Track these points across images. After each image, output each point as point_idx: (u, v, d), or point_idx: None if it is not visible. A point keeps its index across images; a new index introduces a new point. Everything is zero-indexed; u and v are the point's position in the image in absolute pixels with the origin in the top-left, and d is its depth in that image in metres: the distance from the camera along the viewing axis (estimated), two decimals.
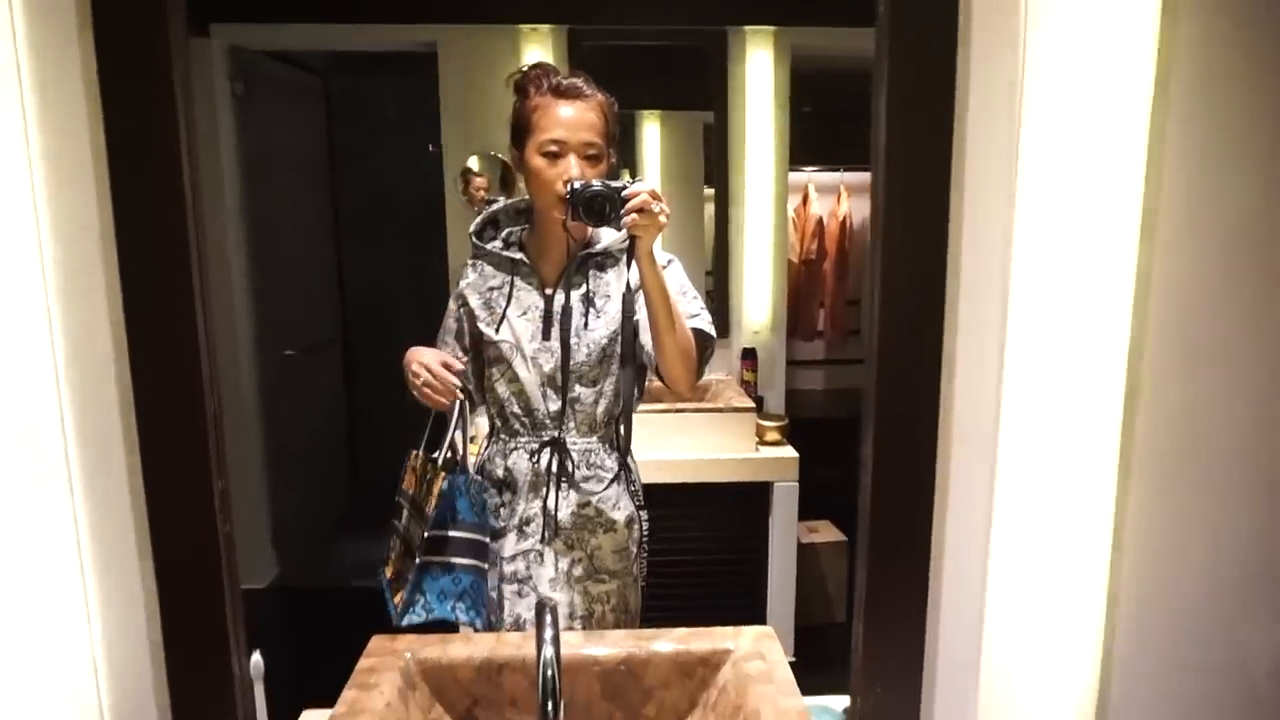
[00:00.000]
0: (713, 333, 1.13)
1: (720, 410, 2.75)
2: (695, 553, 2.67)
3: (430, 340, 1.27)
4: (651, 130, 3.24)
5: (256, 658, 0.82)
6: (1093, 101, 0.72)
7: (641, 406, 1.44)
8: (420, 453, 1.17)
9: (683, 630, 1.16)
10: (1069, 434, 0.76)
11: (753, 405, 2.86)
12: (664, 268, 1.08)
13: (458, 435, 1.13)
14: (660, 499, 1.46)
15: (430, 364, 1.06)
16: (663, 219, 1.00)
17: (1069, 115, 0.72)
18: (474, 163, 2.79)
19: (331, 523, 3.76)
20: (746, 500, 2.77)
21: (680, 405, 2.61)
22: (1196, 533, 0.84)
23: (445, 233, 2.95)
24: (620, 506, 1.10)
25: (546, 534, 1.08)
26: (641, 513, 1.16)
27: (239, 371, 3.25)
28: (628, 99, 1.85)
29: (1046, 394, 0.76)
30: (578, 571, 1.09)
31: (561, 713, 0.76)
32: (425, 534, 1.09)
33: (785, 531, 2.80)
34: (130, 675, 0.78)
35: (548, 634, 0.79)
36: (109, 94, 0.69)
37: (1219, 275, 0.80)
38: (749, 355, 3.17)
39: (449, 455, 1.12)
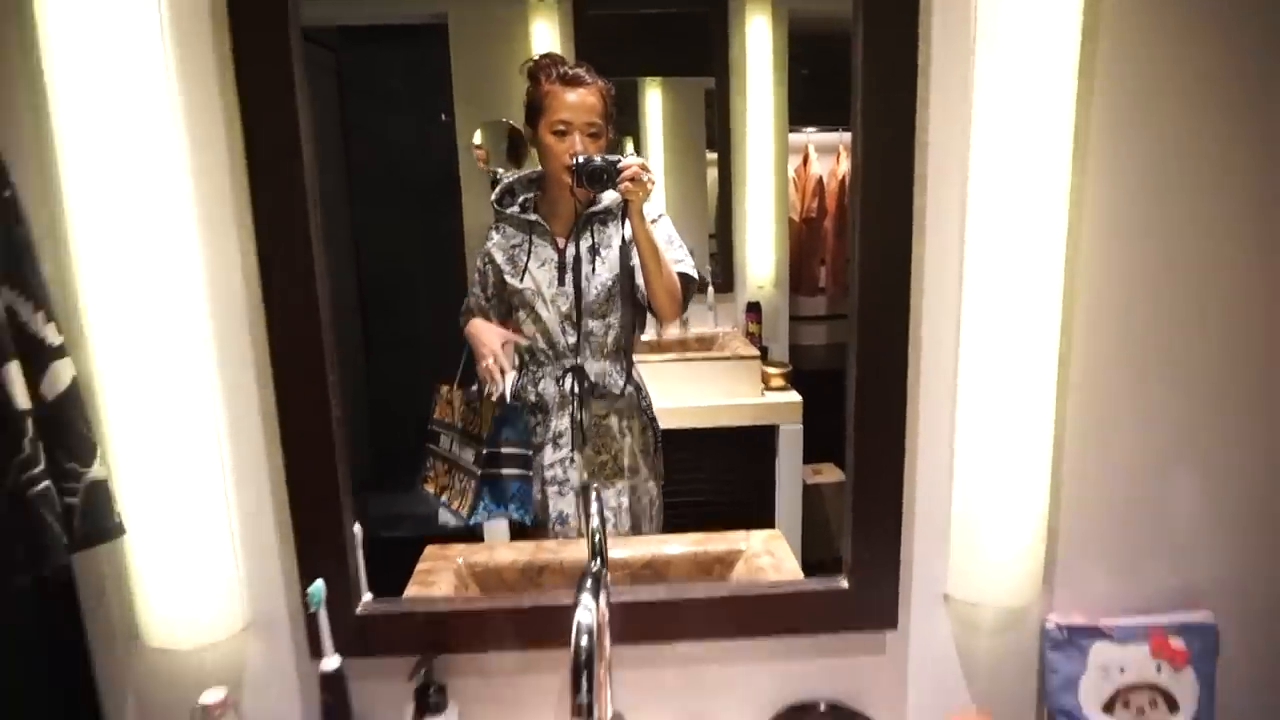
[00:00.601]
0: (694, 275, 1.31)
1: (727, 359, 2.89)
2: (707, 493, 2.83)
3: (451, 301, 1.41)
4: (654, 97, 3.34)
5: (356, 527, 0.98)
6: (1031, 65, 0.85)
7: (653, 357, 1.59)
8: (455, 387, 1.33)
9: (699, 534, 1.31)
10: (1019, 337, 0.91)
11: (758, 354, 3.00)
12: (654, 222, 1.27)
13: (508, 374, 1.29)
14: (674, 442, 1.61)
15: (496, 349, 1.23)
16: (649, 185, 1.20)
17: (1013, 85, 0.86)
18: (477, 136, 2.91)
19: (356, 484, 3.93)
20: (754, 443, 2.92)
21: (689, 355, 2.75)
22: (1125, 415, 1.00)
23: (459, 199, 3.07)
24: (634, 415, 1.27)
25: (576, 442, 1.25)
26: (653, 421, 1.31)
27: None
28: (631, 67, 1.93)
29: (998, 308, 0.91)
30: (606, 471, 1.25)
31: (607, 575, 0.92)
32: (484, 452, 1.25)
33: (791, 471, 2.94)
34: (262, 532, 0.96)
35: (594, 506, 0.96)
36: (242, 71, 0.85)
37: (1142, 200, 0.95)
38: (753, 309, 3.30)
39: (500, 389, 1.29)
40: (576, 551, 1.23)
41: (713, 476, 3.01)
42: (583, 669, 0.76)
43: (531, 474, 1.29)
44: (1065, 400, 0.96)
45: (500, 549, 1.29)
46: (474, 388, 1.33)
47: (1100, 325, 0.97)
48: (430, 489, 1.37)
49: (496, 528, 1.40)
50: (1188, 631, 1.00)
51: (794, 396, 2.98)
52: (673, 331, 2.01)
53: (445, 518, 1.34)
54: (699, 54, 3.43)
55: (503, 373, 1.27)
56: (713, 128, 3.29)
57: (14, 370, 0.81)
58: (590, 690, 0.76)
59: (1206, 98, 0.93)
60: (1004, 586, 0.98)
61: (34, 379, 0.83)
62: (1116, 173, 0.94)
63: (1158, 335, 0.98)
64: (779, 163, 3.29)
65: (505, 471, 1.28)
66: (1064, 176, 0.89)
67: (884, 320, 0.93)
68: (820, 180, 4.50)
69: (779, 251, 3.38)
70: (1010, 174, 0.88)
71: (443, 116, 2.77)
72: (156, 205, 0.85)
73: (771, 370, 3.09)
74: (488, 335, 1.31)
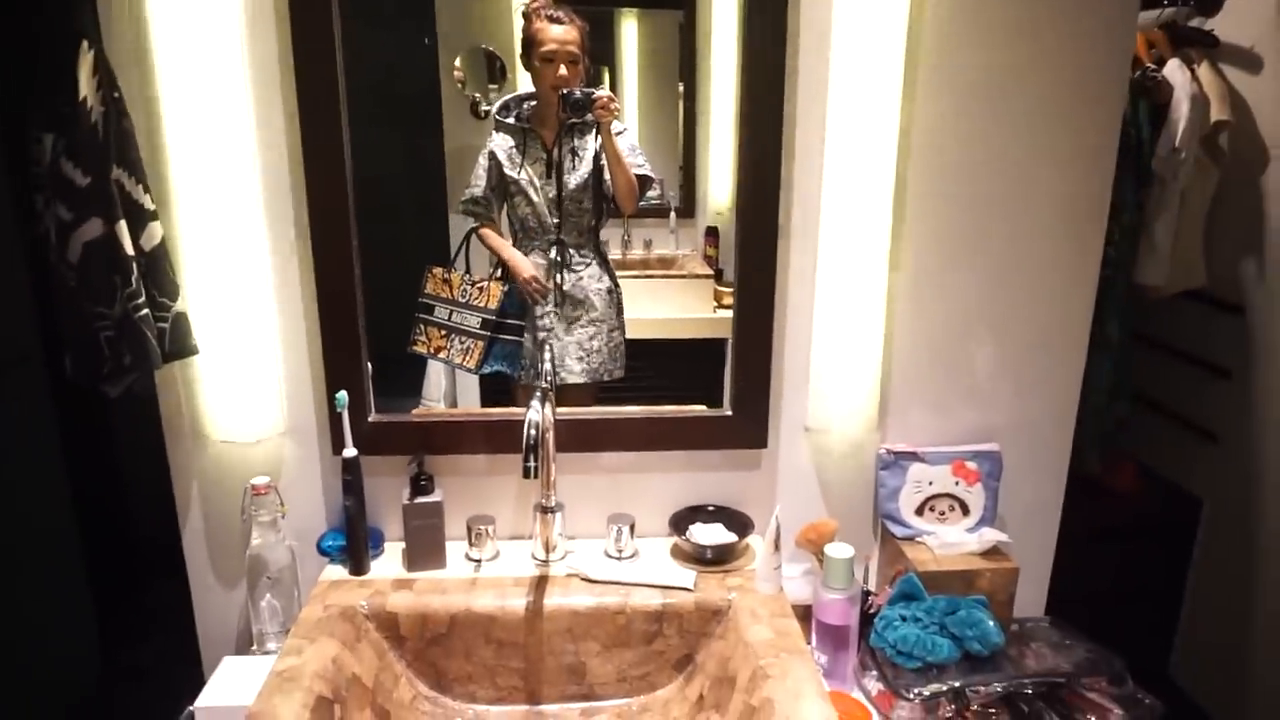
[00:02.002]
0: (650, 175, 1.63)
1: (684, 277, 3.21)
2: (661, 397, 3.17)
3: (433, 210, 1.71)
4: (629, 27, 3.55)
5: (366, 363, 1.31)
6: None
7: (619, 274, 1.92)
8: (449, 269, 1.66)
9: (650, 406, 1.64)
10: (860, 231, 1.24)
11: (712, 274, 3.32)
12: (619, 135, 1.59)
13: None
14: (635, 351, 1.92)
15: (536, 274, 1.60)
16: (616, 110, 1.56)
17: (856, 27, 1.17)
18: (457, 61, 3.12)
19: None
20: (705, 354, 3.26)
21: (650, 273, 3.06)
22: (938, 289, 1.34)
23: (441, 118, 3.29)
24: (602, 280, 1.62)
25: (557, 299, 1.60)
26: (617, 286, 1.67)
27: None
28: None
29: (846, 206, 1.23)
30: (581, 321, 1.60)
31: (553, 395, 1.25)
32: (493, 320, 1.59)
33: None
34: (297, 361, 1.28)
35: (548, 353, 1.31)
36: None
37: (952, 120, 1.26)
38: (711, 233, 3.60)
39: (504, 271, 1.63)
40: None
41: (667, 381, 3.34)
42: (532, 448, 1.10)
43: (523, 338, 1.64)
44: (896, 280, 1.30)
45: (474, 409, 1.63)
46: (493, 272, 1.67)
47: (919, 219, 1.29)
48: (421, 350, 1.70)
49: (468, 392, 1.74)
50: (980, 457, 1.36)
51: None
52: (637, 252, 2.33)
53: (432, 385, 1.68)
54: None
55: (540, 292, 1.62)
56: (684, 61, 3.53)
57: (123, 227, 1.12)
58: (536, 461, 1.10)
59: (1014, 40, 1.23)
60: (849, 420, 1.33)
61: (135, 234, 1.14)
62: (936, 95, 1.25)
63: (963, 227, 1.30)
64: (740, 96, 3.55)
65: (506, 336, 1.64)
66: (895, 98, 1.20)
67: (759, 219, 1.26)
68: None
69: (737, 179, 3.68)
70: (855, 100, 1.20)
71: (425, 40, 2.94)
72: (223, 103, 1.15)
73: (723, 290, 3.42)
74: (522, 262, 1.64)
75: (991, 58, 1.23)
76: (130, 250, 1.12)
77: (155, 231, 1.16)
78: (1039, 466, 1.41)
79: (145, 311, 1.14)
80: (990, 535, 1.31)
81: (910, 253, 1.30)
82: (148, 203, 1.15)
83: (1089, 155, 1.29)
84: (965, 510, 1.37)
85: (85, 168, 1.10)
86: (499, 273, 1.67)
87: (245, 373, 1.23)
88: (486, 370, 1.66)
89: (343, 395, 1.21)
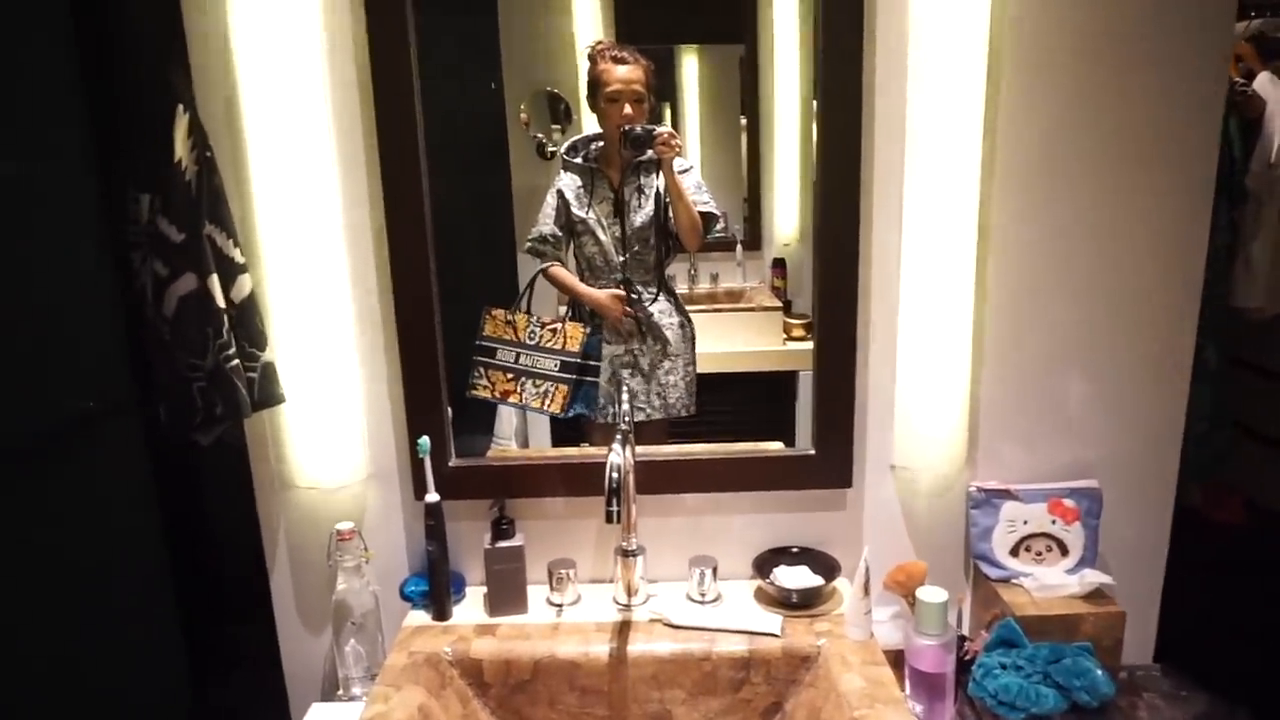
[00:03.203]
0: (715, 212, 1.64)
1: (753, 310, 3.19)
2: (733, 430, 3.13)
3: (500, 252, 1.73)
4: (690, 64, 3.58)
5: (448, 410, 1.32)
6: (951, 49, 1.14)
7: (688, 309, 1.91)
8: (512, 311, 1.67)
9: (724, 444, 1.62)
10: (945, 258, 1.20)
11: (781, 306, 3.28)
12: (683, 172, 1.60)
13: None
14: (704, 385, 1.91)
15: (621, 309, 1.61)
16: (676, 146, 1.56)
17: (938, 64, 1.14)
18: (523, 104, 3.19)
19: None
20: (776, 387, 3.22)
21: (718, 306, 3.04)
22: (1030, 323, 1.29)
23: (508, 161, 3.35)
24: (674, 316, 1.62)
25: (636, 337, 1.60)
26: (689, 321, 1.66)
27: None
28: (668, 34, 2.24)
29: (928, 239, 1.20)
30: (657, 357, 1.60)
31: (632, 436, 1.24)
32: (576, 362, 1.60)
33: (810, 414, 3.24)
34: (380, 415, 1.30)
35: (624, 394, 1.28)
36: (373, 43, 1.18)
37: (1043, 150, 1.23)
38: (779, 264, 3.57)
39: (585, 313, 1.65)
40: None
41: (738, 417, 3.31)
42: (614, 492, 1.09)
43: (597, 379, 1.64)
44: (983, 310, 1.25)
45: (549, 451, 1.63)
46: (566, 314, 1.68)
47: (1009, 251, 1.25)
48: (484, 394, 1.71)
49: (539, 432, 1.74)
50: (1077, 494, 1.30)
51: (813, 346, 3.26)
52: (704, 286, 2.33)
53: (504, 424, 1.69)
54: (732, 22, 3.66)
55: (631, 320, 1.62)
56: (745, 94, 3.53)
57: (215, 280, 1.16)
58: (619, 505, 1.09)
59: (1103, 58, 1.19)
60: (937, 457, 1.28)
61: (226, 287, 1.18)
62: (1021, 131, 1.21)
63: (1053, 254, 1.25)
64: (805, 127, 3.52)
65: (590, 379, 1.64)
66: (977, 135, 1.17)
67: (838, 251, 1.24)
68: (816, 134, 4.67)
69: (804, 211, 3.64)
70: (935, 137, 1.17)
71: (492, 85, 3.00)
72: (307, 159, 1.18)
73: (793, 321, 3.38)
74: (602, 296, 1.64)
75: (1077, 80, 1.19)
76: (222, 303, 1.16)
77: (245, 284, 1.19)
78: (1142, 503, 1.34)
79: (236, 362, 1.17)
80: (1093, 577, 1.25)
81: (997, 281, 1.26)
82: (238, 256, 1.18)
83: (1185, 175, 1.23)
84: (1064, 550, 1.30)
85: (180, 225, 1.14)
86: (571, 313, 1.68)
87: (329, 420, 1.25)
88: (570, 414, 1.66)
89: (425, 441, 1.22)
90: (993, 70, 1.16)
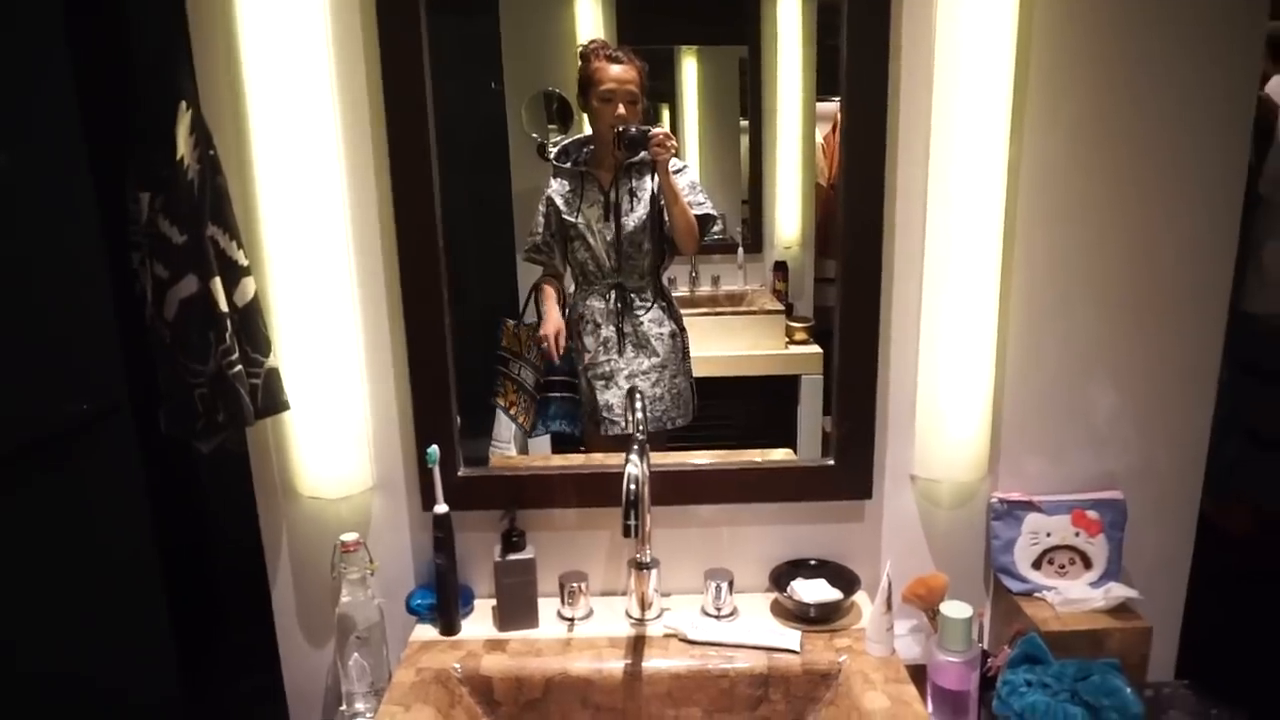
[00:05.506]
0: (713, 213, 1.62)
1: (754, 313, 3.15)
2: (734, 436, 3.09)
3: (503, 250, 1.69)
4: (690, 65, 3.55)
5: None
6: (976, 51, 1.10)
7: (684, 312, 1.87)
8: (519, 323, 1.63)
9: (724, 451, 1.58)
10: (969, 265, 1.17)
11: (782, 309, 3.25)
12: (678, 173, 1.57)
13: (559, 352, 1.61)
14: (704, 389, 1.87)
15: (556, 331, 1.57)
16: (672, 147, 1.51)
17: (963, 68, 1.11)
18: (522, 110, 3.16)
19: None
20: (778, 391, 3.18)
21: (719, 309, 3.01)
22: (1053, 329, 1.26)
23: (509, 161, 3.31)
24: (665, 324, 1.58)
25: (619, 346, 1.56)
26: (682, 330, 1.62)
27: None
28: (668, 35, 2.20)
29: (952, 246, 1.17)
30: (644, 368, 1.55)
31: (648, 447, 1.20)
32: (542, 380, 1.56)
33: (811, 418, 3.20)
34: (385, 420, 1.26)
35: (638, 402, 1.24)
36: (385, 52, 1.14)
37: (1067, 159, 1.20)
38: (780, 268, 3.54)
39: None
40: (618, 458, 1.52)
41: (739, 421, 3.27)
42: (632, 504, 1.05)
43: (578, 395, 1.59)
44: (1006, 317, 1.22)
45: (555, 459, 1.59)
46: (540, 330, 1.63)
47: (1033, 258, 1.22)
48: (501, 403, 1.67)
49: (539, 441, 1.70)
50: (1101, 506, 1.27)
51: (815, 349, 3.23)
52: (705, 289, 2.31)
53: (503, 428, 1.65)
54: (732, 24, 3.63)
55: (557, 351, 1.58)
56: (745, 95, 3.50)
57: (217, 283, 1.11)
58: (637, 518, 1.05)
59: (1129, 66, 1.16)
60: (958, 467, 1.25)
61: (229, 291, 1.14)
62: (1047, 137, 1.18)
63: (1078, 261, 1.22)
64: (806, 130, 3.49)
65: (556, 395, 1.59)
66: (1002, 141, 1.14)
67: (863, 257, 1.21)
68: (839, 143, 4.65)
69: (805, 214, 3.61)
70: (960, 141, 1.14)
71: (493, 85, 2.98)
72: (314, 159, 1.14)
73: (795, 325, 3.35)
74: (554, 316, 1.61)
75: (1105, 86, 1.16)
76: (224, 307, 1.12)
77: (248, 287, 1.15)
78: (1166, 515, 1.31)
79: (239, 368, 1.13)
80: (1119, 591, 1.22)
81: (1021, 289, 1.23)
82: (241, 259, 1.14)
83: (1212, 183, 1.20)
84: (1087, 563, 1.27)
85: (181, 226, 1.10)
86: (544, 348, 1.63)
87: (334, 427, 1.21)
88: (541, 432, 1.61)
89: (434, 450, 1.18)
90: (1019, 77, 1.13)
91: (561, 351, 1.59)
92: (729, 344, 3.15)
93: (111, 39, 1.47)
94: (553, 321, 1.61)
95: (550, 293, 1.64)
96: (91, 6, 1.47)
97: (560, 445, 1.68)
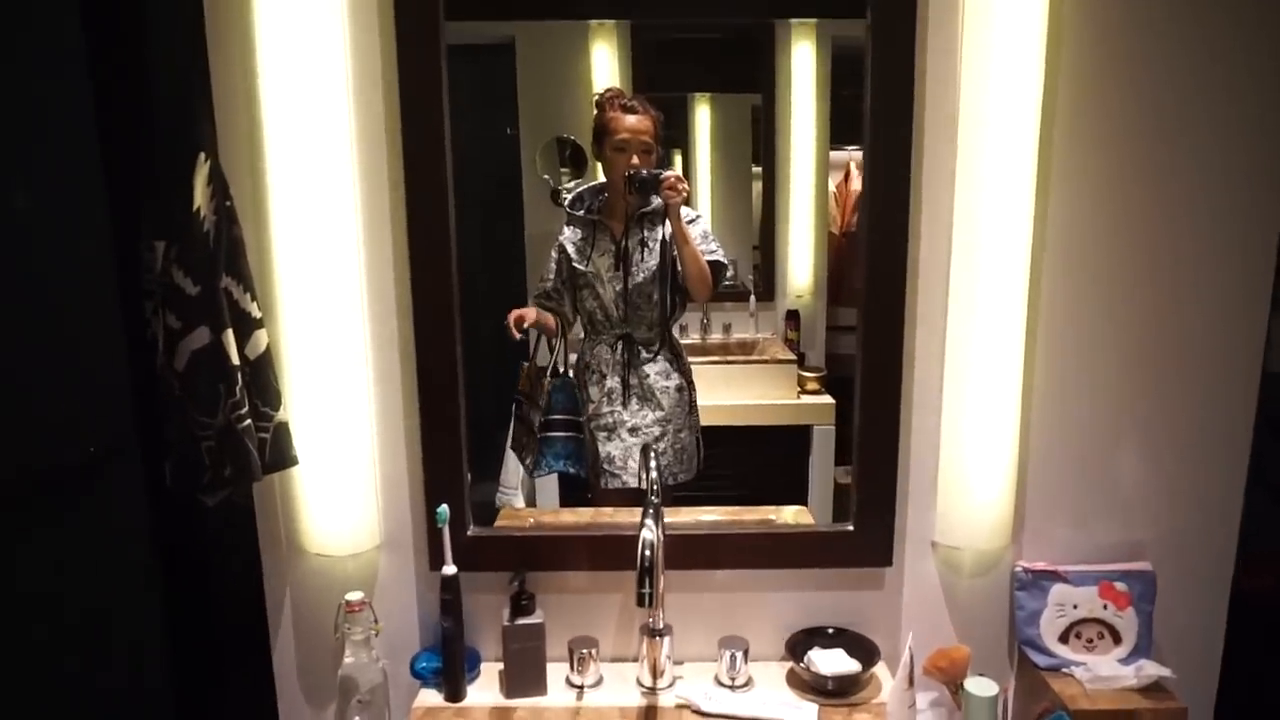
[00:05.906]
0: (725, 262, 1.60)
1: (766, 362, 3.12)
2: (745, 487, 3.05)
3: (515, 294, 1.67)
4: (704, 113, 3.56)
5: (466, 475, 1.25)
6: (1003, 91, 1.09)
7: (695, 360, 1.85)
8: (529, 363, 1.61)
9: (735, 507, 1.55)
10: (993, 333, 1.15)
11: (795, 358, 3.22)
12: (690, 222, 1.56)
13: (558, 353, 1.57)
14: (715, 438, 1.84)
15: (528, 314, 1.55)
16: (684, 191, 1.51)
17: (988, 108, 1.10)
18: (537, 156, 3.18)
19: None
20: (790, 441, 3.14)
21: (730, 358, 2.98)
22: (1079, 397, 1.23)
23: (522, 206, 3.32)
24: (671, 377, 1.55)
25: (624, 397, 1.53)
26: (690, 384, 1.59)
27: None
28: (682, 84, 2.20)
29: (976, 309, 1.14)
30: (647, 421, 1.52)
31: (662, 510, 1.17)
32: (543, 419, 1.52)
33: (824, 469, 3.15)
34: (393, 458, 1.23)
35: (652, 462, 1.20)
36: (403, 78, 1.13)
37: (1092, 218, 1.18)
38: (792, 316, 3.52)
39: (554, 366, 1.57)
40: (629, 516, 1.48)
41: (750, 471, 3.22)
42: (646, 571, 1.02)
43: (582, 435, 1.56)
44: (1030, 384, 1.20)
45: (564, 514, 1.56)
46: (542, 364, 1.61)
47: (1058, 320, 1.20)
48: (511, 446, 1.64)
49: (547, 485, 1.67)
50: (1130, 578, 1.23)
51: (827, 399, 3.19)
52: (716, 337, 2.28)
53: (510, 473, 1.62)
54: (746, 73, 3.65)
55: (519, 330, 1.54)
56: (759, 143, 3.51)
57: (229, 336, 1.10)
58: (652, 586, 1.02)
59: (1164, 102, 1.14)
60: (981, 535, 1.22)
61: (241, 343, 1.12)
62: (1073, 192, 1.16)
63: (1107, 321, 1.20)
64: (820, 178, 3.49)
65: (557, 434, 1.56)
66: (1028, 195, 1.12)
67: (884, 313, 1.18)
68: (860, 196, 4.66)
69: (818, 262, 3.59)
70: (985, 197, 1.12)
71: (508, 130, 2.98)
72: (331, 215, 1.13)
73: (807, 374, 3.31)
74: (532, 311, 1.58)
75: (1133, 139, 1.15)
76: (236, 360, 1.10)
77: (260, 340, 1.13)
78: (1198, 587, 1.27)
79: (248, 422, 1.11)
80: (1151, 670, 1.17)
81: (1046, 347, 1.20)
82: (254, 311, 1.13)
83: (1245, 240, 1.18)
84: (1116, 638, 1.23)
85: (195, 277, 1.09)
86: (549, 368, 1.61)
87: (343, 483, 1.19)
88: (544, 472, 1.58)
89: (444, 510, 1.15)
90: (1044, 129, 1.12)
91: (519, 329, 1.54)
92: (740, 393, 3.11)
93: (133, 88, 1.48)
94: (528, 310, 1.58)
95: (550, 316, 1.62)
96: (114, 54, 1.48)
97: (567, 489, 1.65)
